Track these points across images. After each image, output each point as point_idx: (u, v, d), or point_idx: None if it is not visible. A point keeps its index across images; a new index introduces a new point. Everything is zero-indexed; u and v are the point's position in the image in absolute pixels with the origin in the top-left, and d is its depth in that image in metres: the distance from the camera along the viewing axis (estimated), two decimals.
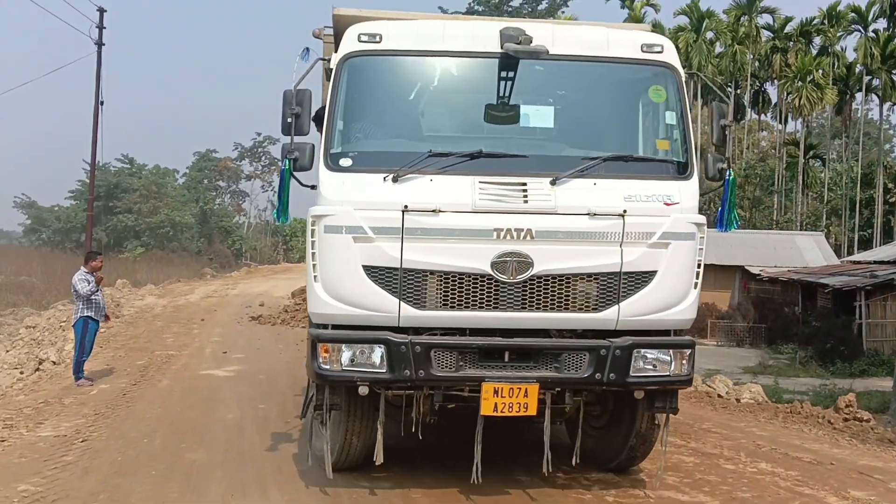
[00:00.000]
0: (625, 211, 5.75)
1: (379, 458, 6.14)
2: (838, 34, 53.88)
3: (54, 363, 14.33)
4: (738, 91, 57.35)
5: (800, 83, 50.14)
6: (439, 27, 6.15)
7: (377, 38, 5.95)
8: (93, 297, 11.71)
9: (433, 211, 5.67)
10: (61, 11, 31.15)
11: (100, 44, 17.82)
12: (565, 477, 6.87)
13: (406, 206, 5.64)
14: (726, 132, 6.22)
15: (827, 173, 53.92)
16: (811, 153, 55.03)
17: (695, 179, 6.06)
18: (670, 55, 6.17)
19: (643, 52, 6.11)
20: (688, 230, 5.88)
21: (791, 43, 53.90)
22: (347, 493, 6.31)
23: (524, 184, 5.77)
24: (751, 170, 48.75)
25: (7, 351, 16.52)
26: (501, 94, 6.09)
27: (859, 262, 32.11)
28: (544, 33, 6.00)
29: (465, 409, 6.13)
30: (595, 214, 5.74)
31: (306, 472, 6.87)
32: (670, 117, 6.16)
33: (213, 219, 73.37)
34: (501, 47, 5.91)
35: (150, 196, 70.04)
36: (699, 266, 5.99)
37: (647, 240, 5.79)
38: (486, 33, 6.00)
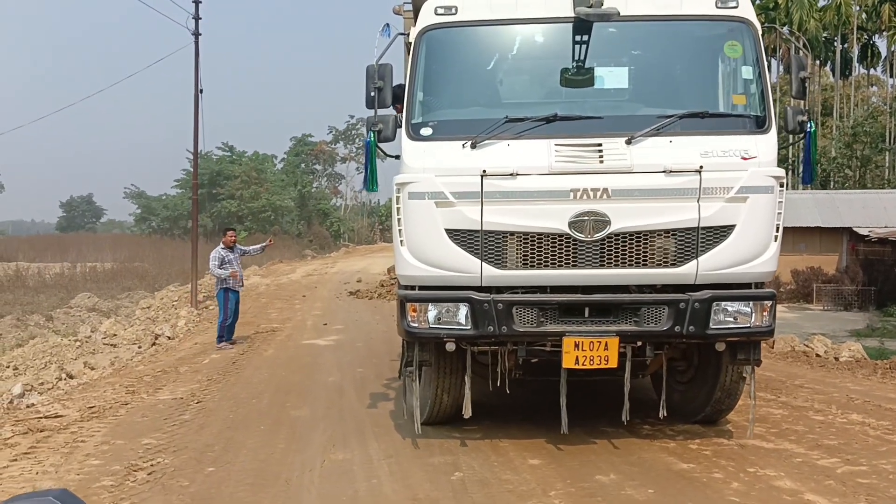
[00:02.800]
0: (701, 167, 5.82)
1: (467, 412, 6.48)
2: None
3: (169, 338, 15.36)
4: (846, 45, 54.67)
5: None
6: None
7: (453, 10, 6.17)
8: (223, 269, 12.84)
9: (511, 174, 5.88)
10: (159, 4, 32.75)
11: (196, 34, 18.63)
12: (651, 429, 7.05)
13: (484, 171, 5.88)
14: (806, 84, 6.24)
15: None
16: None
17: (773, 133, 6.07)
18: (745, 9, 6.17)
19: (717, 7, 6.13)
20: (766, 183, 5.92)
21: None
22: (439, 444, 6.67)
23: (599, 144, 5.92)
24: (859, 127, 46.37)
25: (125, 329, 17.70)
26: (576, 57, 6.22)
27: None
28: None
29: (551, 365, 6.37)
30: (671, 171, 5.84)
31: (402, 425, 7.30)
32: (746, 72, 6.18)
33: (312, 202, 75.48)
34: (573, 11, 6.05)
35: (251, 182, 72.54)
36: (779, 219, 6.03)
37: (724, 194, 5.86)
38: None
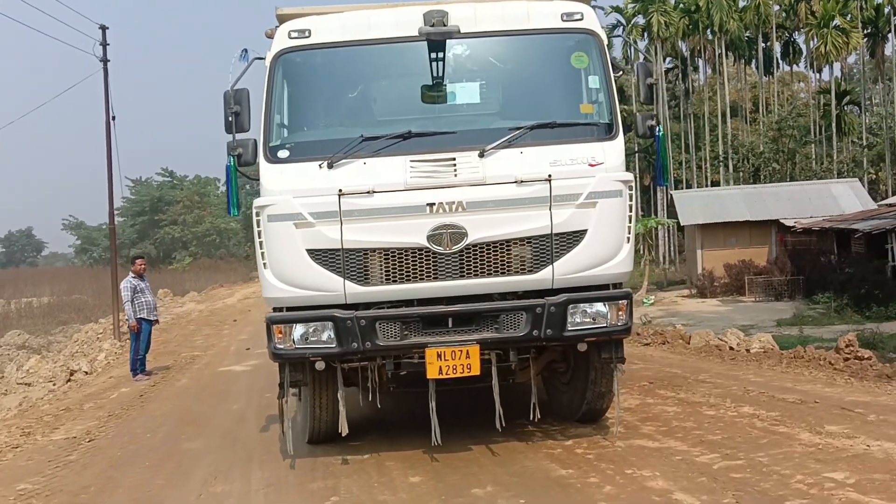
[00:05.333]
0: (549, 175, 5.97)
1: (343, 429, 6.48)
2: None
3: (86, 373, 14.92)
4: (768, 44, 56.12)
5: (824, 30, 48.83)
6: (364, 17, 6.34)
7: (306, 34, 6.23)
8: (136, 301, 12.43)
9: (367, 192, 5.95)
10: (63, 35, 32.12)
11: (105, 60, 18.31)
12: (542, 434, 7.03)
13: (341, 190, 5.94)
14: (653, 90, 6.41)
15: (864, 118, 52.47)
16: (846, 100, 53.60)
17: (620, 139, 6.24)
18: (590, 21, 6.36)
19: (563, 21, 6.29)
20: (614, 188, 6.09)
21: None
22: (325, 467, 6.54)
23: (453, 158, 6.02)
24: (783, 122, 47.65)
25: (49, 365, 17.18)
26: (430, 75, 6.33)
27: (893, 205, 31.30)
28: (466, 13, 6.22)
29: (422, 377, 6.25)
30: (522, 181, 5.98)
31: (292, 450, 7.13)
32: (593, 81, 6.35)
33: None
34: (417, 31, 6.14)
35: (194, 206, 71.47)
36: (630, 221, 6.20)
37: (574, 201, 6.00)
38: (409, 18, 6.20)
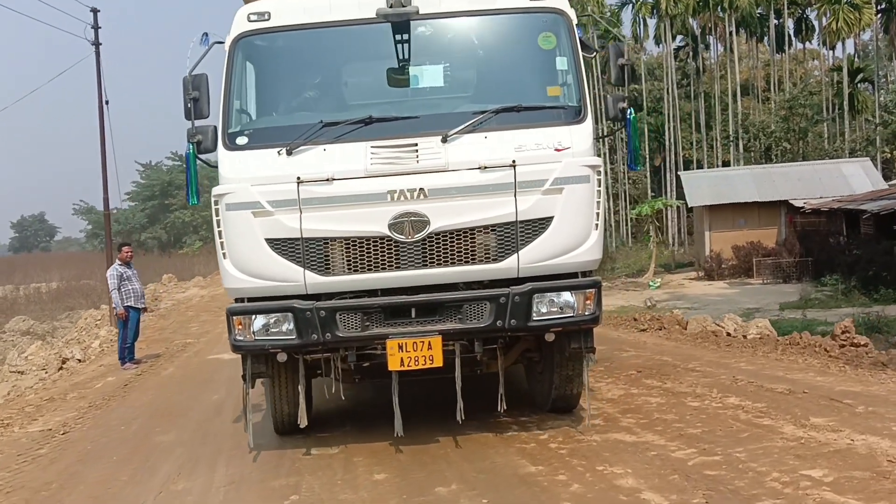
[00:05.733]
0: (513, 161, 5.78)
1: (303, 421, 6.43)
2: None
3: (79, 360, 14.85)
4: (780, 20, 55.14)
5: (836, 5, 47.87)
6: None
7: (266, 16, 6.04)
8: (122, 288, 12.25)
9: (327, 179, 5.77)
10: (55, 19, 32.01)
11: (97, 43, 18.09)
12: (518, 427, 6.84)
13: (299, 178, 5.76)
14: (625, 71, 6.21)
15: (878, 96, 51.53)
16: (859, 77, 52.65)
17: (588, 123, 6.02)
18: (559, 0, 6.14)
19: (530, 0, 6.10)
20: (581, 173, 5.89)
21: None
22: (291, 462, 6.37)
23: (415, 144, 5.84)
24: (794, 101, 46.83)
25: (48, 352, 17.11)
26: (393, 58, 6.13)
27: None
28: None
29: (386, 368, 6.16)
30: (486, 168, 5.79)
31: (261, 444, 6.94)
32: (561, 63, 6.15)
33: None
34: (375, 13, 5.95)
35: (203, 189, 71.34)
36: (598, 207, 6.00)
37: (539, 187, 5.82)
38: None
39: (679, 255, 44.10)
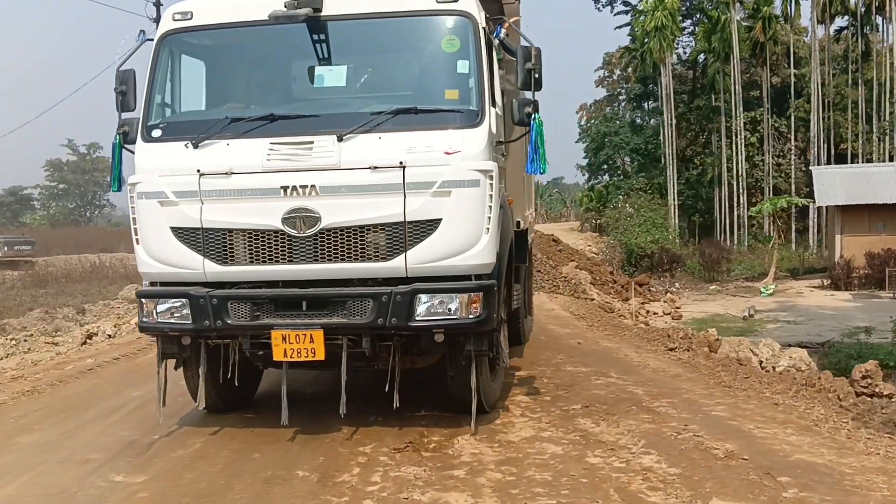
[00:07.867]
0: (401, 162, 5.97)
1: (201, 403, 6.83)
2: None
3: (109, 336, 14.90)
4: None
5: None
6: None
7: (188, 16, 6.51)
8: None
9: (225, 173, 6.16)
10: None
11: (158, 20, 18.18)
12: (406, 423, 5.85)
13: (199, 170, 6.17)
14: (532, 76, 6.23)
15: None
16: None
17: (483, 127, 6.13)
18: (467, 3, 6.26)
19: (438, 2, 6.24)
20: (471, 177, 6.03)
21: None
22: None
23: (311, 142, 6.11)
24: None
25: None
26: (303, 57, 6.55)
27: None
28: None
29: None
30: (376, 168, 6.02)
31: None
32: (463, 66, 6.27)
33: None
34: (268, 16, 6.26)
35: None
36: (490, 212, 6.10)
37: (427, 189, 5.99)
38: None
39: (812, 259, 39.98)
